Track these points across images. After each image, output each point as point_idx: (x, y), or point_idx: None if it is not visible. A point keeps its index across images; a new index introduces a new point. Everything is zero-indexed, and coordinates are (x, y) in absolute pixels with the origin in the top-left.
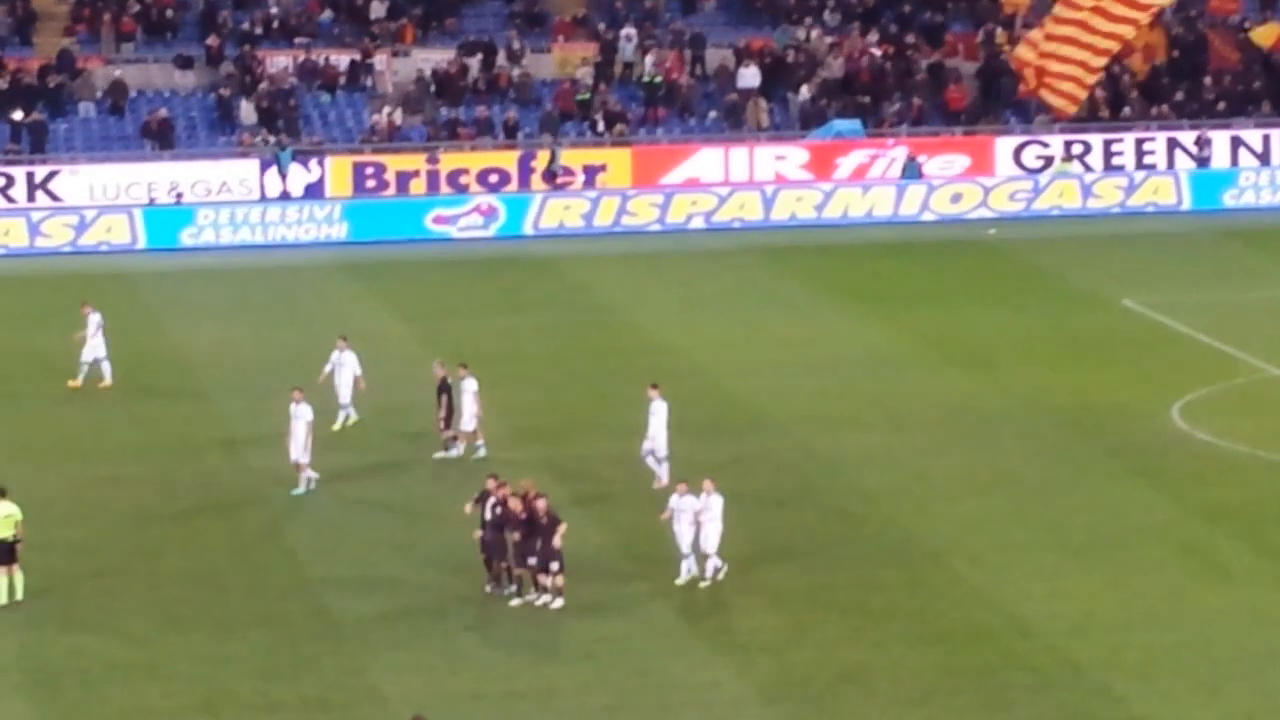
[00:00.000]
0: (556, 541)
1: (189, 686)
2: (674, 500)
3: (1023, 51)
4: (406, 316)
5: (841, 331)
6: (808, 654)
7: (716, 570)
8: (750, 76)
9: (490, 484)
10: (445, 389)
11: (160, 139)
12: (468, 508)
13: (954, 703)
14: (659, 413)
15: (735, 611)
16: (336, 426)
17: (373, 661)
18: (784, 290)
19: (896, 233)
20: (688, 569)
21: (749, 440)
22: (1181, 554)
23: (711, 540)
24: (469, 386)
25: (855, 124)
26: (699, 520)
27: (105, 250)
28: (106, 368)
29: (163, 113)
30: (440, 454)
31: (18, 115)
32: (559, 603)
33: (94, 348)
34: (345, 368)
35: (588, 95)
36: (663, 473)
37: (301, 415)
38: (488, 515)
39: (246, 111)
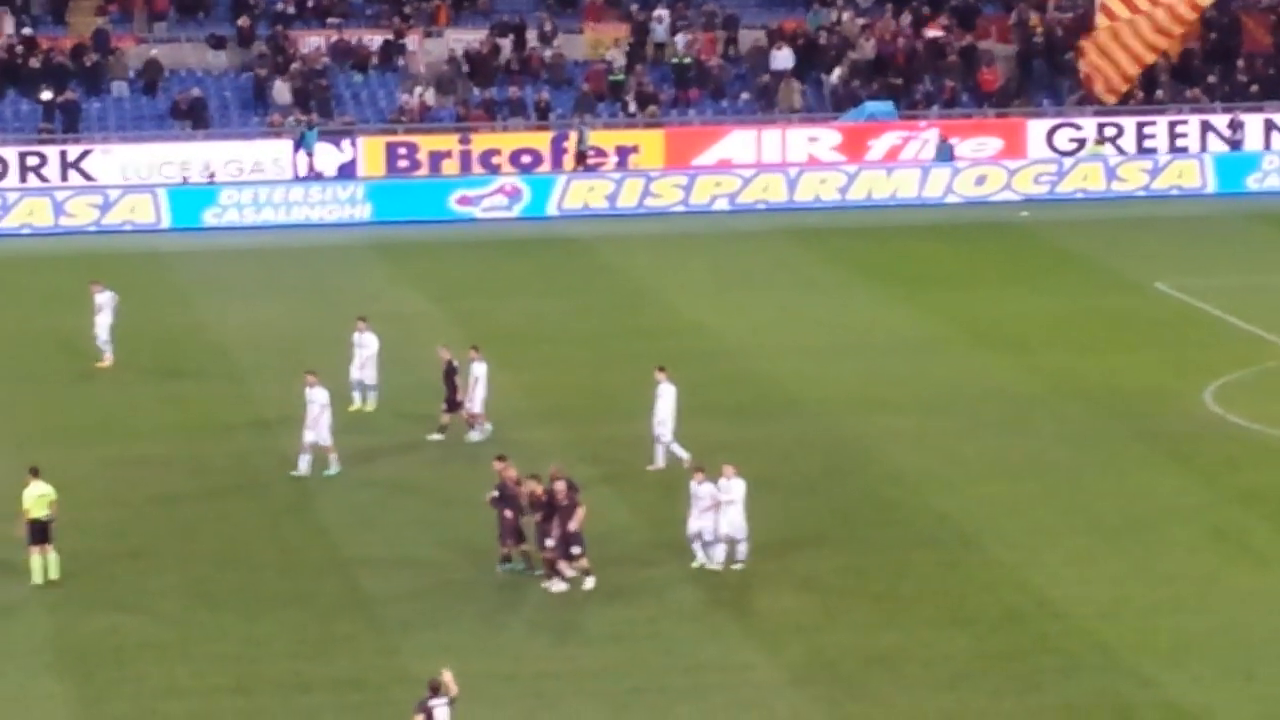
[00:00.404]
0: (573, 525)
1: (221, 666)
2: (692, 487)
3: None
4: (434, 297)
5: (872, 314)
6: (839, 637)
7: (739, 555)
8: (784, 58)
9: (496, 465)
10: (452, 372)
11: (193, 119)
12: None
13: (985, 686)
14: (666, 395)
15: (766, 594)
16: (354, 408)
17: (405, 642)
18: (814, 272)
19: (926, 214)
20: (703, 556)
21: (780, 423)
22: (1214, 538)
23: (737, 524)
24: (479, 370)
25: (888, 106)
26: (718, 506)
27: (129, 230)
28: (107, 348)
29: (195, 92)
30: (435, 435)
31: (48, 95)
32: (590, 582)
33: (102, 326)
34: (365, 349)
35: (621, 76)
36: (659, 456)
37: (316, 399)
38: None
39: (280, 91)
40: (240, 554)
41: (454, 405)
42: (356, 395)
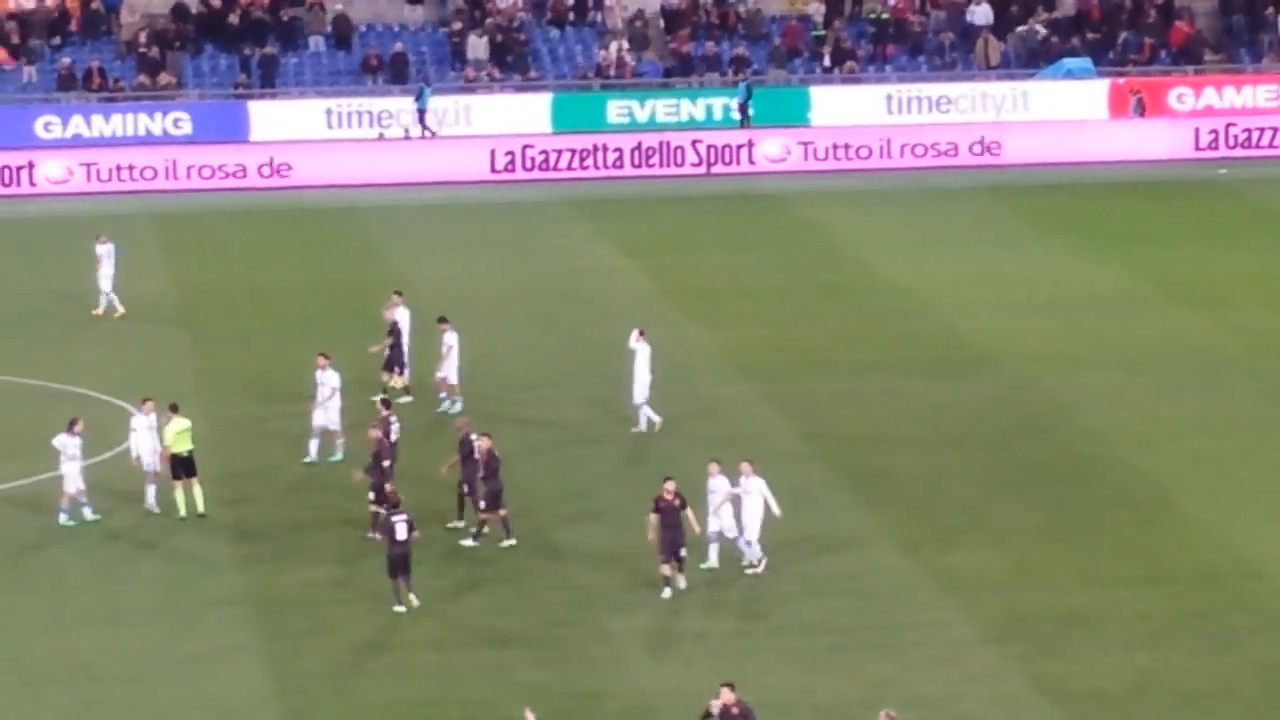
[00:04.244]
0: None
1: (416, 620)
2: (709, 482)
3: None
4: (631, 253)
5: (1070, 270)
6: (1034, 595)
7: (758, 560)
8: (982, 14)
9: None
10: (395, 333)
11: (392, 74)
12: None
13: (1180, 644)
14: (642, 355)
15: (962, 551)
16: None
17: (599, 598)
18: (1011, 229)
19: (1124, 170)
20: (716, 554)
21: (977, 379)
22: None
23: (752, 526)
24: (450, 340)
25: (1086, 62)
26: (736, 503)
27: (322, 184)
28: (115, 301)
29: (398, 46)
30: (386, 396)
31: (246, 50)
32: (682, 582)
33: (105, 277)
34: (400, 322)
35: (822, 32)
36: (643, 419)
37: (328, 381)
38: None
39: (475, 46)
40: (435, 508)
41: (392, 366)
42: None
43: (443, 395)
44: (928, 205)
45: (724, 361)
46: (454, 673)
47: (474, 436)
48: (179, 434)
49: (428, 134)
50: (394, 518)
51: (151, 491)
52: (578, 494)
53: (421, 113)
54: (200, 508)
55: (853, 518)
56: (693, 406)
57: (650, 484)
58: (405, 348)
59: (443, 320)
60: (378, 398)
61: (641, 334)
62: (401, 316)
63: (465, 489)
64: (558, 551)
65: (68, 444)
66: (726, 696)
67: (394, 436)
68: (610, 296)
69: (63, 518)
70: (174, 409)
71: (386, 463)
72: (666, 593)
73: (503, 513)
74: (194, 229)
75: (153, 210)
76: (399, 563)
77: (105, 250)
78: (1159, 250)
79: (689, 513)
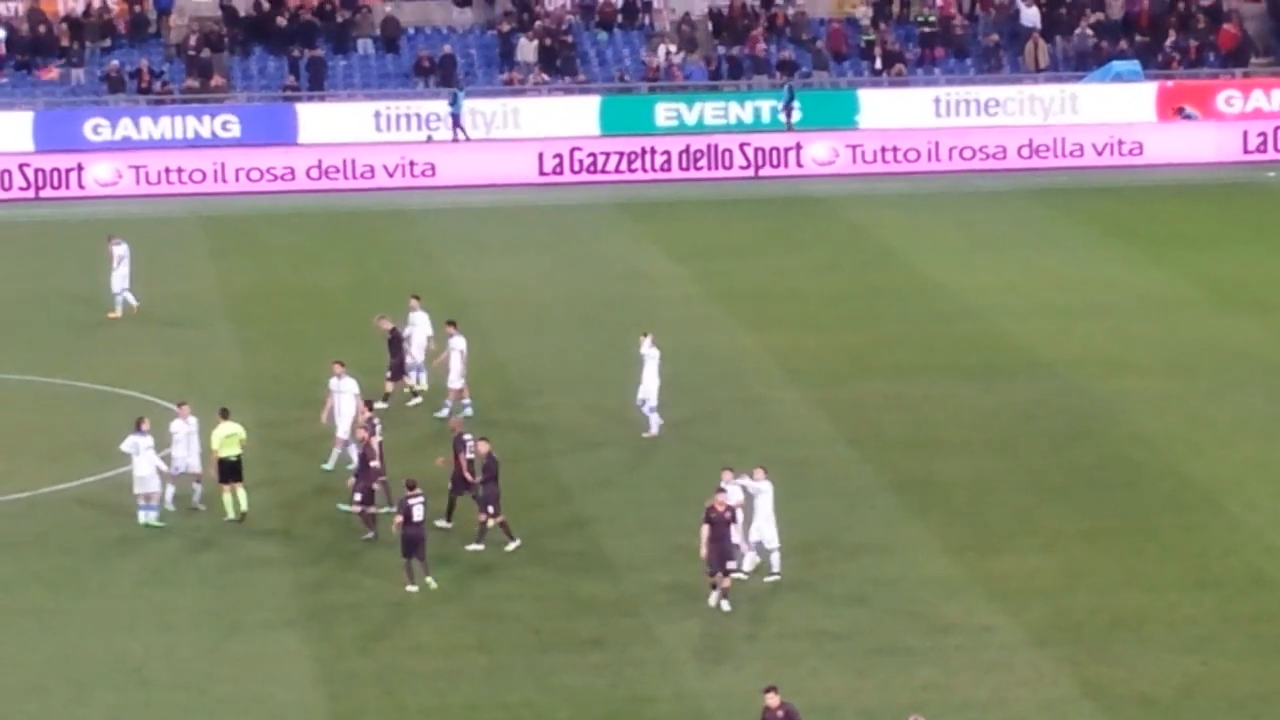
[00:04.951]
0: (734, 538)
1: (462, 624)
2: (723, 487)
3: None
4: (679, 256)
5: (1117, 274)
6: (1082, 599)
7: (773, 565)
8: (1031, 16)
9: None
10: (396, 340)
11: (441, 76)
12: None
13: (1230, 649)
14: (651, 360)
15: (1010, 555)
16: (411, 387)
17: (645, 602)
18: (1059, 232)
19: (1172, 173)
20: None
21: (1023, 383)
22: None
23: (766, 533)
24: (457, 345)
25: (1134, 65)
26: (748, 510)
27: (369, 186)
28: (130, 299)
29: (446, 49)
30: (380, 404)
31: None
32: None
33: (120, 278)
34: (418, 328)
35: (871, 35)
36: (653, 422)
37: (346, 389)
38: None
39: (524, 49)
40: (434, 510)
41: (399, 373)
42: (413, 375)
43: (447, 401)
44: (976, 208)
45: (772, 365)
46: (501, 676)
47: (468, 438)
48: (227, 438)
49: (462, 137)
50: (410, 500)
51: (199, 490)
52: (627, 500)
53: (455, 116)
54: (244, 506)
55: (900, 522)
56: (741, 411)
57: (704, 489)
58: (415, 353)
59: (451, 324)
60: (387, 401)
61: (652, 339)
62: (419, 321)
63: (454, 489)
64: (606, 556)
65: (139, 444)
66: (771, 700)
67: (379, 437)
68: (657, 300)
69: (151, 515)
70: (224, 414)
71: (374, 463)
72: (713, 598)
73: (501, 518)
74: (242, 231)
75: (201, 212)
76: (414, 544)
77: (120, 252)
78: (1207, 254)
79: (738, 527)
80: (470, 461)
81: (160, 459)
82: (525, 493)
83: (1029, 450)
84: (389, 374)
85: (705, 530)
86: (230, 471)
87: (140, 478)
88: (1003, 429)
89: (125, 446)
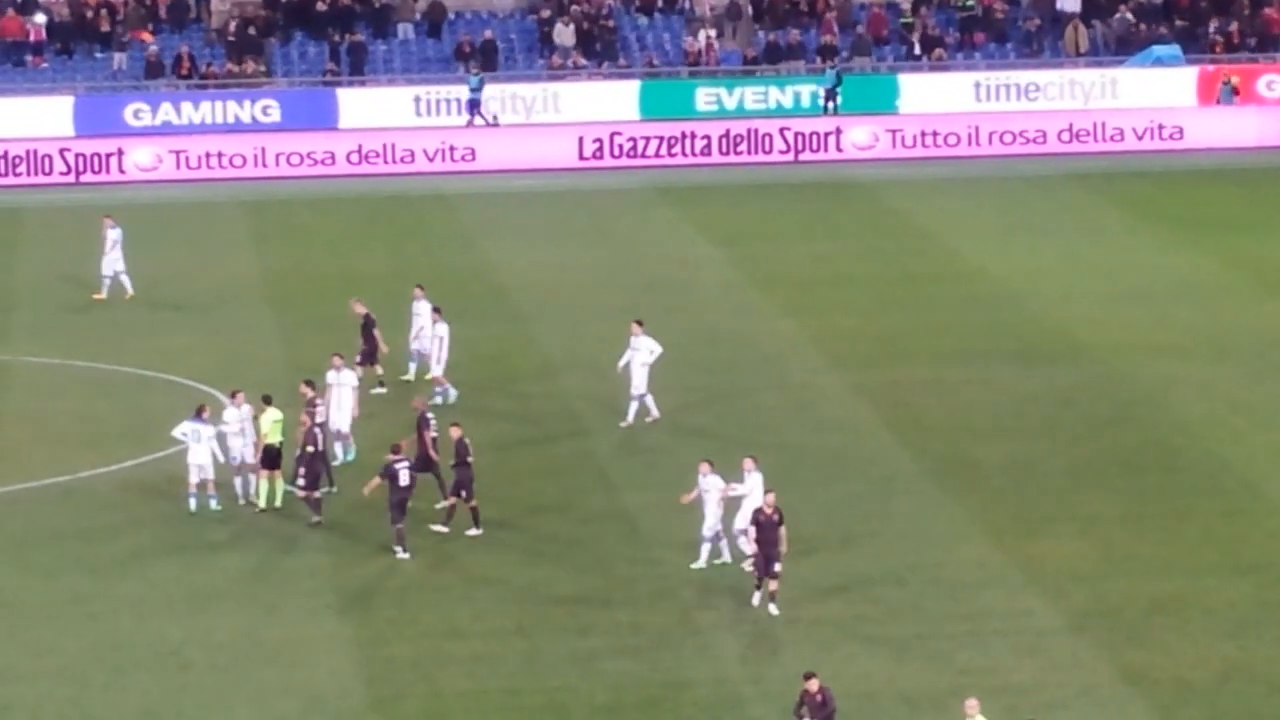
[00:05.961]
0: (783, 546)
1: (501, 609)
2: (700, 480)
3: None
4: (718, 241)
5: (1158, 259)
6: (1120, 583)
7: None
8: (1071, 1)
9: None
10: (369, 325)
11: (482, 61)
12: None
13: (1268, 634)
14: (640, 349)
15: (1048, 540)
16: (408, 377)
17: (684, 587)
18: (1099, 217)
19: (1213, 158)
20: (707, 553)
21: (1063, 368)
22: None
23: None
24: (440, 331)
25: (1174, 49)
26: (727, 501)
27: (409, 171)
28: (126, 283)
29: (487, 34)
30: (378, 389)
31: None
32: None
33: (113, 261)
34: (420, 317)
35: (911, 20)
36: (631, 411)
37: (346, 382)
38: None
39: (563, 34)
40: (523, 497)
41: (369, 358)
42: (413, 365)
43: (437, 390)
44: (1016, 193)
45: (811, 350)
46: (539, 661)
47: (431, 416)
48: (273, 425)
49: (480, 121)
50: (397, 464)
51: (239, 483)
52: (665, 484)
53: (474, 103)
54: (278, 501)
55: (939, 506)
56: (781, 395)
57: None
58: (414, 341)
59: (436, 310)
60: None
61: (640, 325)
62: (423, 310)
63: (416, 468)
64: (646, 541)
65: (201, 431)
66: (811, 685)
67: (319, 419)
68: (697, 285)
69: (211, 503)
70: (267, 400)
71: (311, 449)
72: (756, 599)
73: (473, 504)
74: (283, 216)
75: (242, 198)
76: (401, 508)
77: (115, 235)
78: (1248, 238)
79: (784, 530)
80: (435, 440)
81: (217, 447)
82: (565, 478)
83: (1068, 435)
84: (359, 358)
85: (751, 531)
86: (273, 458)
87: (197, 465)
88: (1042, 414)
89: (181, 432)
